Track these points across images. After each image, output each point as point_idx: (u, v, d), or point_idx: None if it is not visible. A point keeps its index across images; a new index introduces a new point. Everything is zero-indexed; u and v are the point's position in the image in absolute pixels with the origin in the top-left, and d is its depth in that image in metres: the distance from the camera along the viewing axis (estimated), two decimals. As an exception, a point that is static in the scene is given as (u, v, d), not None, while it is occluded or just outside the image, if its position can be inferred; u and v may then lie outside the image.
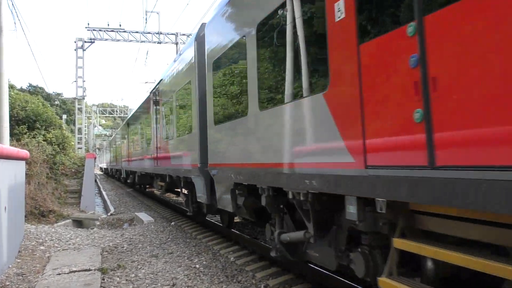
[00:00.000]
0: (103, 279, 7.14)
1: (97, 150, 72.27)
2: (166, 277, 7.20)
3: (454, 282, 3.70)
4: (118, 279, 7.22)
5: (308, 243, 5.40)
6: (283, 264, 7.27)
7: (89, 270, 7.60)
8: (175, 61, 11.67)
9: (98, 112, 78.22)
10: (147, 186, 24.64)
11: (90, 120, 65.24)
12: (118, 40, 37.19)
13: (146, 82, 48.44)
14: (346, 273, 6.92)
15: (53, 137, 23.54)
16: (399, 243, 3.71)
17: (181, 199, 13.04)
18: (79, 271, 7.53)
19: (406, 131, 3.26)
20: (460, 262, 3.10)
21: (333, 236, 4.75)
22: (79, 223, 16.43)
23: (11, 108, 23.85)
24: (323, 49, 4.28)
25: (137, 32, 37.25)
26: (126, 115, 61.54)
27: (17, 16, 37.59)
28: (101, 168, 69.28)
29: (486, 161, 2.63)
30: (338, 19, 4.05)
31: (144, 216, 14.64)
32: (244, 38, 6.35)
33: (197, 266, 7.84)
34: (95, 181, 29.91)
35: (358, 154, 3.76)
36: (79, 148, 38.00)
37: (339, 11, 4.02)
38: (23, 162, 11.38)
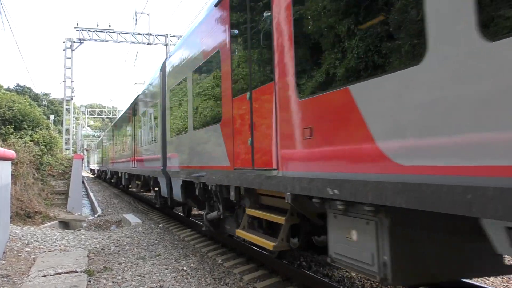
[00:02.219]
0: (89, 281, 7.09)
1: (84, 151, 71.37)
2: (153, 279, 7.17)
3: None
4: (104, 281, 7.17)
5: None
6: (271, 267, 7.29)
7: (75, 272, 7.53)
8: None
9: (86, 113, 77.67)
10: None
11: (78, 121, 64.73)
12: (108, 41, 36.97)
13: (135, 84, 48.16)
14: (332, 275, 6.96)
15: (40, 138, 23.33)
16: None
17: None
18: (65, 273, 7.46)
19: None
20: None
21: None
22: (65, 224, 16.28)
23: (-2, 107, 23.64)
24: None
25: (126, 33, 37.08)
26: (115, 116, 60.81)
27: (5, 15, 37.25)
28: (92, 171, 61.82)
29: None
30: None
31: (132, 218, 14.55)
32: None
33: (185, 268, 7.82)
34: (83, 182, 29.65)
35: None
36: (66, 149, 37.63)
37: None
38: (9, 163, 11.26)
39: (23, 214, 15.66)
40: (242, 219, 6.87)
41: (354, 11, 3.73)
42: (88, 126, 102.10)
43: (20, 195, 16.50)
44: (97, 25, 36.92)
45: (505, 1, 2.47)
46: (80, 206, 20.97)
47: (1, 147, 13.20)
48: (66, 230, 13.61)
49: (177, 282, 6.98)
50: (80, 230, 13.88)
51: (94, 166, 51.71)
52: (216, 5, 7.30)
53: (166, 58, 12.05)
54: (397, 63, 3.20)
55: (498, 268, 3.95)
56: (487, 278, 6.58)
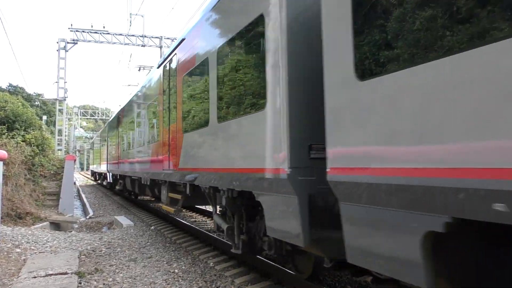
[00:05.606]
0: (80, 283, 7.07)
1: (77, 152, 70.80)
2: (145, 282, 7.15)
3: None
4: (95, 283, 7.15)
5: None
6: (262, 270, 7.30)
7: (66, 273, 7.51)
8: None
9: (79, 114, 77.30)
10: None
11: (71, 122, 64.43)
12: (102, 42, 36.84)
13: (128, 85, 47.94)
14: (324, 279, 6.98)
15: (32, 138, 23.16)
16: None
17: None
18: (55, 274, 7.43)
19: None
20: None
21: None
22: (56, 225, 16.17)
23: (-10, 107, 23.48)
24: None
25: (121, 34, 36.96)
26: (108, 118, 60.18)
27: (-1, 15, 37.05)
28: (93, 174, 46.09)
29: (173, 167, 9.23)
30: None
31: (124, 220, 14.51)
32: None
33: (176, 271, 7.82)
34: (74, 183, 29.43)
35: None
36: (59, 149, 37.39)
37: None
38: (1, 163, 11.19)
39: (14, 215, 15.53)
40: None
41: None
42: (81, 127, 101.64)
43: (11, 195, 16.37)
44: (91, 26, 36.80)
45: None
46: (71, 207, 20.82)
47: (-7, 147, 13.11)
48: (57, 232, 13.53)
49: (168, 284, 6.97)
50: (71, 231, 13.80)
51: (102, 167, 31.88)
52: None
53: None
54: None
55: None
56: None
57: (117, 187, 24.00)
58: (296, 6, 4.61)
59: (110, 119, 26.69)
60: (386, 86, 3.10)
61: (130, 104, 17.58)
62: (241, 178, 5.48)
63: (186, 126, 8.26)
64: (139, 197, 22.04)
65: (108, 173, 26.81)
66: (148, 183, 12.81)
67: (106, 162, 27.10)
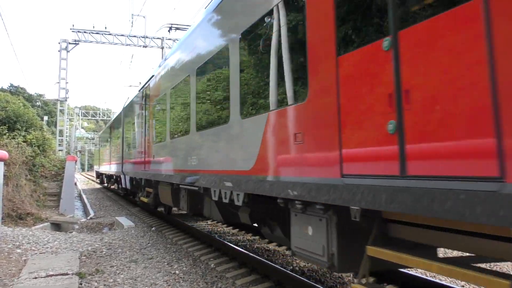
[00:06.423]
0: (81, 284, 7.04)
1: (78, 153, 70.61)
2: (145, 283, 7.13)
3: None
4: (96, 283, 7.13)
5: None
6: (263, 272, 7.28)
7: (67, 274, 7.48)
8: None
9: (80, 114, 77.30)
10: None
11: (72, 123, 64.37)
12: (103, 43, 36.88)
13: (130, 86, 47.93)
14: (325, 281, 6.96)
15: (33, 139, 23.19)
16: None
17: None
18: (56, 275, 7.40)
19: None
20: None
21: None
22: (57, 226, 16.16)
23: (-9, 108, 23.52)
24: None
25: (122, 35, 36.98)
26: (109, 118, 60.05)
27: (0, 15, 37.12)
28: (99, 176, 40.53)
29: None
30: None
31: (125, 221, 14.49)
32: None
33: (177, 272, 7.79)
34: (75, 184, 29.43)
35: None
36: (60, 150, 37.41)
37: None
38: (1, 163, 11.19)
39: (14, 216, 15.54)
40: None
41: None
42: (82, 128, 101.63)
43: (12, 196, 16.38)
44: (93, 27, 36.83)
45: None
46: (72, 208, 20.82)
47: (-6, 147, 13.11)
48: (58, 232, 13.51)
49: (169, 285, 6.95)
50: (72, 232, 13.78)
51: (112, 168, 25.18)
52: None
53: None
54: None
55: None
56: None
57: (141, 198, 15.60)
58: None
59: (127, 103, 20.11)
60: None
61: (177, 61, 10.21)
62: None
63: None
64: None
65: (123, 176, 20.44)
66: (241, 202, 6.31)
67: (120, 161, 20.90)
